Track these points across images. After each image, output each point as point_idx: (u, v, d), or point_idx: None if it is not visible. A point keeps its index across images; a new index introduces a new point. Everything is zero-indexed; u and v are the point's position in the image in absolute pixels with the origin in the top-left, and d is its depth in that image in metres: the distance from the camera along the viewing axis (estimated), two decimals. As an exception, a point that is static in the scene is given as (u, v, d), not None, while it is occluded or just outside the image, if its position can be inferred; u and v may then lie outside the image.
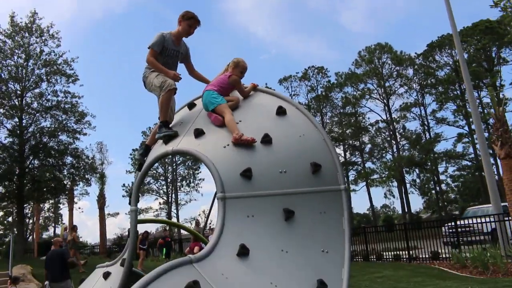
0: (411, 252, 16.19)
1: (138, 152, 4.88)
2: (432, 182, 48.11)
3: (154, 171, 51.83)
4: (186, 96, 5.10)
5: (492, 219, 14.06)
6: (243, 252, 3.28)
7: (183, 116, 4.76)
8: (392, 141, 48.56)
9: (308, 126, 4.16)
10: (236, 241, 3.34)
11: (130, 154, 51.85)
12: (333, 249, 3.63)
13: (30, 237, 46.45)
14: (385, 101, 48.63)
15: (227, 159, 3.74)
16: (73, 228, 18.16)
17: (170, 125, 4.50)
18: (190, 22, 4.54)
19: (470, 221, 15.16)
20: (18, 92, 23.20)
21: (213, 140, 3.98)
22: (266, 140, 3.86)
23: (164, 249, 21.98)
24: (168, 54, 4.60)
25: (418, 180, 48.69)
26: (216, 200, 3.63)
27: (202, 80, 4.86)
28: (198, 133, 4.09)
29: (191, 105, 4.80)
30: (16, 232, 24.89)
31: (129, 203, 4.48)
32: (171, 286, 2.74)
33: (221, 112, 4.04)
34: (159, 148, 4.42)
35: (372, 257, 17.86)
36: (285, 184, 3.71)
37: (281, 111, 4.17)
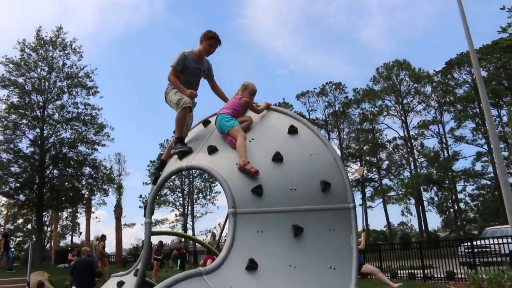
0: (426, 271, 15.98)
1: (154, 166, 5.04)
2: (450, 201, 47.37)
3: (171, 183, 52.21)
4: (208, 110, 5.25)
5: (510, 240, 13.83)
6: (252, 266, 3.38)
7: (197, 132, 4.92)
8: (410, 158, 48.09)
9: (319, 145, 4.27)
10: (245, 255, 3.45)
11: (148, 166, 52.34)
12: (341, 266, 3.71)
13: (48, 245, 47.05)
14: (402, 118, 48.32)
15: (239, 175, 3.86)
16: (102, 238, 18.03)
17: (185, 141, 4.66)
18: (211, 42, 4.69)
19: (487, 242, 14.90)
20: (41, 103, 23.82)
21: (226, 157, 4.12)
22: (277, 158, 3.98)
23: (179, 260, 22.10)
24: (190, 73, 4.78)
25: (436, 198, 48.03)
26: None
27: (222, 98, 5.00)
28: (212, 150, 4.25)
29: (206, 122, 4.96)
30: (34, 240, 25.33)
31: (144, 216, 4.63)
32: (181, 298, 2.85)
33: (233, 135, 4.15)
34: (174, 163, 4.58)
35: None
36: (295, 201, 3.82)
37: (292, 130, 4.30)
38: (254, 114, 4.57)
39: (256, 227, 3.67)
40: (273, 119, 4.55)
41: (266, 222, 3.72)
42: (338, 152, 50.76)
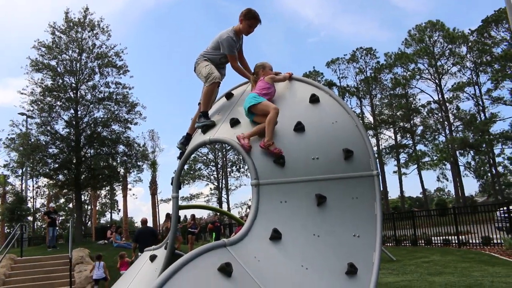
0: (461, 237, 15.77)
1: (180, 141, 5.08)
2: (487, 165, 46.12)
3: (205, 157, 52.96)
4: (230, 83, 5.23)
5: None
6: (276, 236, 3.43)
7: (221, 105, 4.94)
8: (445, 122, 46.87)
9: (341, 113, 4.21)
10: (269, 226, 3.50)
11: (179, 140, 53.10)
12: (365, 233, 3.71)
13: (89, 222, 48.93)
14: (436, 81, 46.92)
15: (248, 144, 3.87)
16: (167, 216, 18.67)
17: (209, 114, 4.70)
18: (251, 22, 4.64)
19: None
20: (73, 85, 24.28)
21: (248, 129, 4.12)
22: (299, 127, 3.97)
23: (214, 233, 22.59)
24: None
25: (473, 163, 46.83)
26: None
27: (246, 69, 4.88)
28: (234, 123, 4.27)
29: (228, 95, 4.97)
30: (75, 218, 26.35)
31: (172, 190, 4.73)
32: (205, 267, 2.93)
33: (263, 107, 4.00)
34: (198, 137, 4.63)
35: (420, 241, 17.57)
36: (318, 170, 3.81)
37: (314, 99, 4.25)
38: (276, 85, 4.52)
39: (279, 198, 3.70)
40: (294, 89, 4.51)
41: (289, 192, 3.73)
42: (371, 118, 50.02)
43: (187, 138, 4.99)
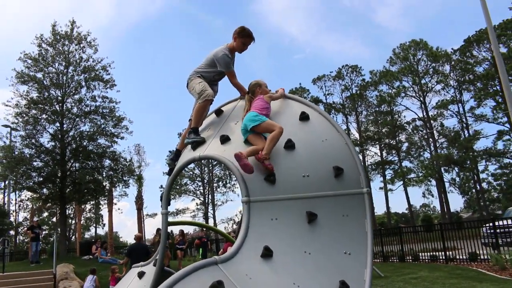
0: (448, 253, 15.86)
1: (169, 157, 5.06)
2: (472, 181, 46.68)
3: (191, 172, 52.71)
4: (220, 100, 5.24)
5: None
6: (267, 253, 3.41)
7: (210, 122, 4.94)
8: (430, 139, 47.46)
9: (331, 131, 4.25)
10: (260, 243, 3.48)
11: (167, 156, 52.87)
12: (356, 250, 3.71)
13: (73, 237, 48.11)
14: (421, 98, 47.65)
15: (251, 164, 3.87)
16: (158, 231, 18.72)
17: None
18: (244, 40, 4.68)
19: (510, 221, 14.69)
20: (59, 98, 24.09)
21: (238, 146, 4.13)
22: (289, 145, 3.99)
23: (201, 249, 22.38)
24: None
25: (457, 179, 47.37)
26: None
27: (239, 88, 4.84)
28: (224, 139, 4.28)
29: (218, 112, 4.97)
30: (59, 232, 25.89)
31: (161, 206, 4.70)
32: (196, 285, 2.90)
33: (268, 126, 3.97)
34: (187, 154, 4.62)
35: (408, 257, 17.62)
36: (308, 187, 3.82)
37: (304, 117, 4.29)
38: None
39: (270, 215, 3.70)
40: (284, 106, 4.54)
41: (280, 209, 3.73)
42: (357, 135, 50.44)
43: (177, 154, 4.97)
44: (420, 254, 17.24)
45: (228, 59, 4.64)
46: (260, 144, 3.93)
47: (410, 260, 17.23)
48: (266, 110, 4.23)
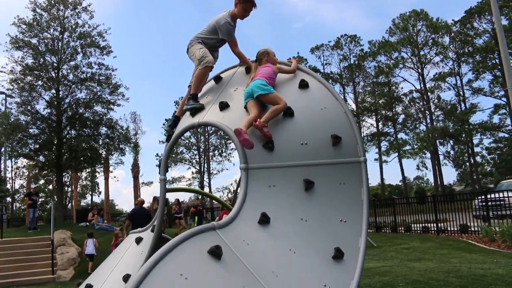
0: (440, 224, 16.12)
1: (168, 123, 5.04)
2: (466, 154, 47.04)
3: (187, 141, 52.80)
4: (219, 66, 5.18)
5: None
6: (264, 220, 3.46)
7: (209, 88, 4.91)
8: (426, 111, 47.51)
9: (330, 99, 4.24)
10: (257, 210, 3.52)
11: (163, 124, 52.80)
12: (351, 219, 3.76)
13: (69, 204, 48.45)
14: (419, 70, 47.44)
15: (250, 131, 3.87)
16: (154, 199, 18.91)
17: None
18: (246, 5, 4.59)
19: (501, 195, 14.88)
20: (55, 64, 23.74)
21: (237, 113, 4.13)
22: (288, 112, 3.98)
23: (196, 217, 22.60)
24: None
25: (452, 152, 47.72)
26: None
27: (240, 57, 4.79)
28: (223, 106, 4.26)
29: (217, 79, 4.94)
30: (56, 200, 26.01)
31: (159, 173, 4.72)
32: (195, 250, 2.94)
33: (274, 99, 3.98)
34: (186, 120, 4.61)
35: (400, 228, 17.89)
36: (306, 155, 3.84)
37: (303, 85, 4.27)
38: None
39: (267, 182, 3.73)
40: (284, 74, 4.51)
41: (278, 176, 3.76)
42: (354, 106, 50.37)
43: (175, 120, 4.94)
44: (413, 225, 17.51)
45: (230, 27, 4.58)
46: (255, 112, 3.92)
47: (403, 231, 17.50)
48: (273, 80, 4.21)
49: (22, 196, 32.54)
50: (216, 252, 2.91)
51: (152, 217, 13.13)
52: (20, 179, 45.74)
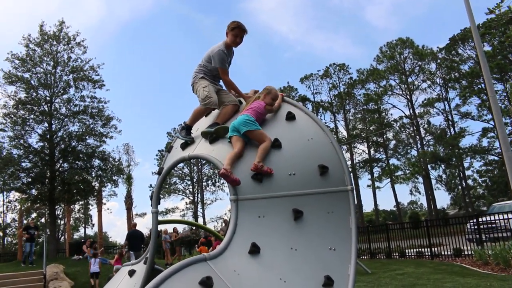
0: (434, 249, 16.13)
1: (181, 134, 4.83)
2: (458, 178, 47.35)
3: (180, 172, 52.69)
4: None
5: (515, 215, 13.91)
6: (254, 250, 3.53)
7: (200, 122, 5.04)
8: (416, 136, 47.98)
9: (316, 130, 4.36)
10: (248, 240, 3.60)
11: (156, 155, 52.81)
12: (340, 246, 3.84)
13: (62, 238, 47.81)
14: (408, 96, 48.13)
15: (239, 163, 3.99)
16: (174, 230, 22.17)
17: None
18: (234, 32, 4.70)
19: (493, 218, 14.98)
20: (47, 98, 23.95)
21: (227, 146, 4.25)
22: (276, 144, 4.10)
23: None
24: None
25: (444, 176, 48.02)
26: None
27: (230, 86, 4.86)
28: (213, 140, 4.39)
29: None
30: (48, 233, 25.72)
31: (151, 205, 4.79)
32: (186, 281, 3.01)
33: (260, 136, 4.07)
34: (177, 153, 4.72)
35: (395, 254, 17.86)
36: (294, 185, 3.94)
37: (290, 117, 4.40)
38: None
39: (257, 212, 3.81)
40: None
41: (267, 207, 3.84)
42: (345, 133, 50.79)
43: (188, 129, 4.86)
44: (407, 250, 17.50)
45: (223, 55, 4.67)
46: (239, 147, 4.01)
47: (397, 257, 17.47)
48: (261, 116, 4.32)
49: (14, 230, 32.03)
50: (207, 283, 2.98)
51: (145, 238, 15.70)
52: (12, 213, 45.20)
